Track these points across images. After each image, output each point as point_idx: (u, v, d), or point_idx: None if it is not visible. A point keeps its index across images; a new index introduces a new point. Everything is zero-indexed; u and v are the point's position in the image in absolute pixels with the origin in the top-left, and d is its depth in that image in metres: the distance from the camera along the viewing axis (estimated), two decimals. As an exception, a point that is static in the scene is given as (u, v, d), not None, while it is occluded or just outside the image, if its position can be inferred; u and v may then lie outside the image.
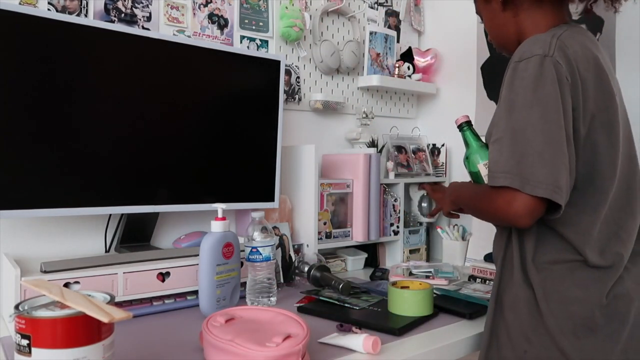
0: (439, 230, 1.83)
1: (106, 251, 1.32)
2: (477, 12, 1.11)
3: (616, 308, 0.88)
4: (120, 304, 1.09)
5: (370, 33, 1.84)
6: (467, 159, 1.05)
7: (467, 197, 1.04)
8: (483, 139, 1.05)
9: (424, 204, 1.89)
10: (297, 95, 1.72)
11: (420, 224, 1.88)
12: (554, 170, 0.83)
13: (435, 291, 1.25)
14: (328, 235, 1.58)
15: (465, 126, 1.07)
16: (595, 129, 0.90)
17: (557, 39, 0.89)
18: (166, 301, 1.17)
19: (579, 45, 0.91)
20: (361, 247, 1.73)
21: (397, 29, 2.01)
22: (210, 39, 1.53)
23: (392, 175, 1.76)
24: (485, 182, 0.99)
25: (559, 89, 0.85)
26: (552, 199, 0.82)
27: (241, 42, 1.59)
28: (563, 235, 0.90)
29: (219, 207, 1.16)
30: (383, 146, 1.86)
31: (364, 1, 1.91)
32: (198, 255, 1.14)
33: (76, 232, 1.31)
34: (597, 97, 0.90)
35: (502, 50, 1.10)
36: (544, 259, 0.92)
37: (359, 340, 0.92)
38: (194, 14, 1.50)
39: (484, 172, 1.01)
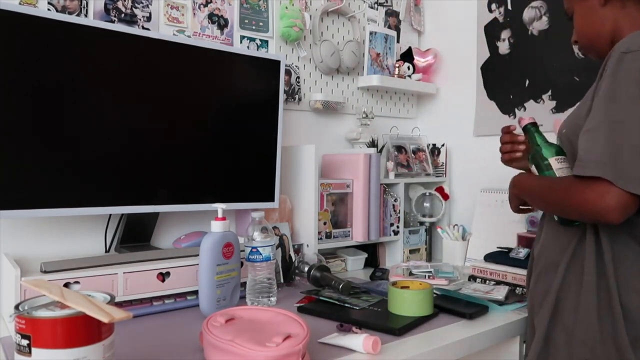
0: (439, 230, 1.83)
1: (106, 251, 1.32)
2: (567, 8, 1.06)
3: None
4: (120, 304, 1.09)
5: (370, 33, 1.84)
6: (536, 154, 1.00)
7: (538, 189, 0.97)
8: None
9: (426, 204, 1.89)
10: (297, 95, 1.72)
11: (421, 224, 1.88)
12: None
13: (435, 291, 1.25)
14: (328, 235, 1.58)
15: (531, 127, 1.04)
16: None
17: None
18: (166, 301, 1.17)
19: None
20: (361, 247, 1.73)
21: (397, 29, 2.01)
22: (210, 39, 1.53)
23: (392, 175, 1.76)
24: (558, 176, 0.95)
25: None
26: None
27: (241, 42, 1.59)
28: None
29: (219, 207, 1.16)
30: (383, 146, 1.86)
31: (364, 1, 1.91)
32: (198, 255, 1.14)
33: (76, 232, 1.31)
34: None
35: (588, 50, 1.05)
36: (625, 271, 0.89)
37: (359, 340, 0.92)
38: (194, 14, 1.50)
39: (555, 165, 0.96)
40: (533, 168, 1.01)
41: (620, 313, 0.87)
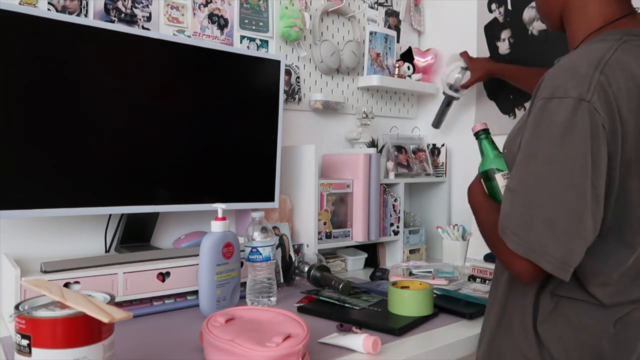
0: (439, 230, 1.83)
1: (106, 251, 1.32)
2: None
3: (625, 336, 0.84)
4: (120, 304, 1.09)
5: (370, 33, 1.84)
6: (484, 168, 0.97)
7: (477, 212, 0.97)
8: (500, 148, 0.99)
9: (458, 75, 1.76)
10: (297, 95, 1.72)
11: (445, 94, 1.80)
12: (565, 243, 0.77)
13: (435, 291, 1.25)
14: (328, 235, 1.58)
15: (482, 134, 0.99)
16: (630, 176, 0.80)
17: (599, 73, 0.78)
18: (166, 301, 1.17)
19: (625, 77, 0.79)
20: (361, 247, 1.73)
21: (397, 29, 2.01)
22: (210, 39, 1.53)
23: (392, 175, 1.76)
24: (503, 194, 0.92)
25: (590, 144, 0.76)
26: (557, 276, 0.78)
27: (241, 42, 1.59)
28: (581, 283, 0.85)
29: (219, 207, 1.16)
30: (383, 146, 1.86)
31: (364, 1, 1.91)
32: (198, 255, 1.14)
33: (76, 232, 1.31)
34: (637, 141, 0.79)
35: (543, 20, 1.06)
36: (560, 292, 0.88)
37: (359, 340, 0.92)
38: (194, 14, 1.50)
39: (501, 182, 0.93)
40: (482, 180, 0.97)
41: (554, 332, 0.87)
